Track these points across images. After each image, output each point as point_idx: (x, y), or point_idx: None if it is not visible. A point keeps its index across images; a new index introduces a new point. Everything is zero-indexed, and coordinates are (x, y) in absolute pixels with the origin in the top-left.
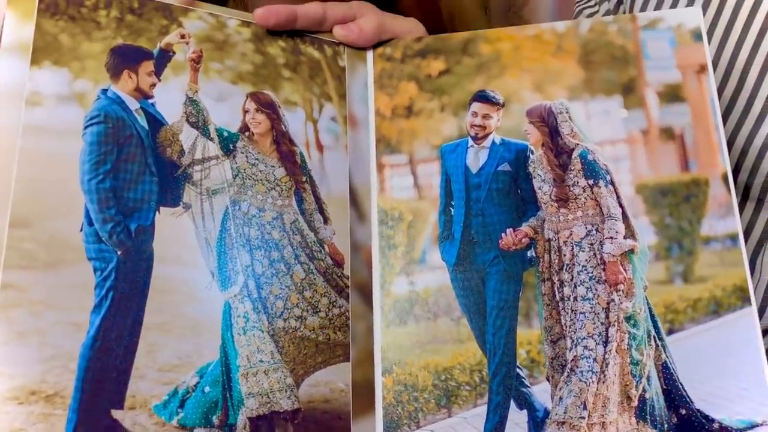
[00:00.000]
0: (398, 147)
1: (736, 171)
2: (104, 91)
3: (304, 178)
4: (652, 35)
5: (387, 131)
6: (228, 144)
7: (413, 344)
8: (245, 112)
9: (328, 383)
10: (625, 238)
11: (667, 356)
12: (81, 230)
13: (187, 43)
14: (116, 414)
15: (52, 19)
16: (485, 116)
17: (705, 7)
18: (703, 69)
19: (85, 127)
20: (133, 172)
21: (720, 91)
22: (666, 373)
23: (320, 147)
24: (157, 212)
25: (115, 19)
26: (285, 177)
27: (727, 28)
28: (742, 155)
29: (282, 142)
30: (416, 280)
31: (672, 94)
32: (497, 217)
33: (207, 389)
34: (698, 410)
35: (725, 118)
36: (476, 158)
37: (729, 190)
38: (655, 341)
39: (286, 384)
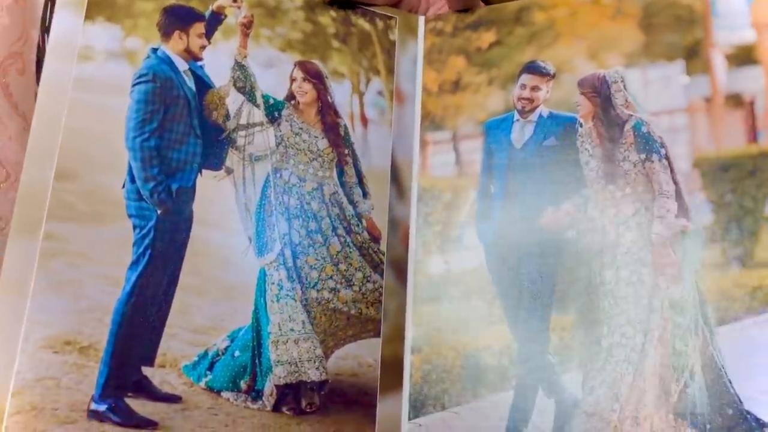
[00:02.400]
0: (442, 123)
1: None
2: (154, 50)
3: (346, 151)
4: None
5: (433, 107)
6: (273, 111)
7: (444, 324)
8: (292, 80)
9: (357, 357)
10: (677, 217)
11: (715, 349)
12: (123, 187)
13: (239, 8)
14: (146, 370)
15: None
16: (534, 88)
17: None
18: None
19: (134, 85)
20: (179, 132)
21: None
22: (713, 368)
23: (365, 121)
24: (199, 174)
25: None
26: (328, 148)
27: None
28: None
29: (327, 113)
30: (451, 259)
31: (743, 56)
32: (539, 195)
33: (237, 353)
34: (748, 411)
35: None
36: (522, 133)
37: None
38: (703, 332)
39: (315, 354)
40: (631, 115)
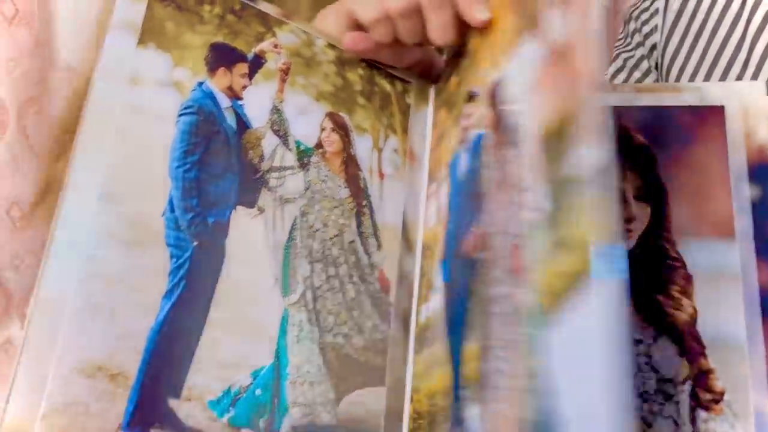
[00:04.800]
0: (432, 176)
1: None
2: (200, 83)
3: (364, 202)
4: None
5: (431, 163)
6: (303, 157)
7: (422, 370)
8: (322, 129)
9: (364, 404)
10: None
11: None
12: (163, 215)
13: (279, 53)
14: (173, 403)
15: (162, 4)
16: (466, 116)
17: None
18: None
19: (179, 115)
20: (218, 167)
21: None
22: None
23: (381, 175)
24: (234, 210)
25: (217, 16)
26: (349, 198)
27: None
28: None
29: (350, 164)
30: (430, 306)
31: None
32: (464, 222)
33: (258, 392)
34: None
35: None
36: (464, 164)
37: None
38: None
39: (328, 398)
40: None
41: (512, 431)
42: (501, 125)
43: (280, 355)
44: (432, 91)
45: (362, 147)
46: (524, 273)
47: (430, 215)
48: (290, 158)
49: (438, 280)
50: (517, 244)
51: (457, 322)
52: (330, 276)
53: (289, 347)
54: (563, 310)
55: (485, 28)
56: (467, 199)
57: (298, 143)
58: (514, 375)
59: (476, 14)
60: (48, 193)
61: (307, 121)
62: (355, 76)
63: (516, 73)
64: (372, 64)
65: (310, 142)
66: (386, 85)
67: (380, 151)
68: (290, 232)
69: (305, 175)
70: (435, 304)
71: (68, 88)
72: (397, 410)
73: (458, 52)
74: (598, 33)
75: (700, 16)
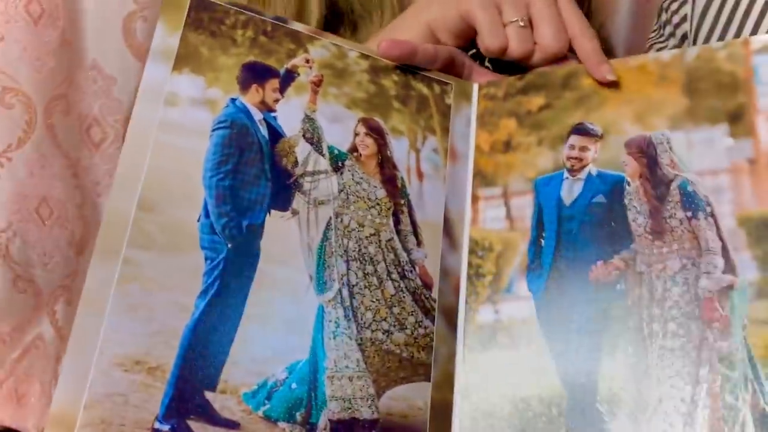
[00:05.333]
0: (493, 180)
1: None
2: (233, 100)
3: (402, 201)
4: (766, 60)
5: (484, 165)
6: (337, 161)
7: (494, 372)
8: (356, 134)
9: (407, 399)
10: (723, 273)
11: (766, 404)
12: (198, 221)
13: (311, 68)
14: (208, 395)
15: (196, 32)
16: (582, 148)
17: None
18: None
19: (213, 130)
20: (251, 174)
21: None
22: (765, 424)
23: (420, 175)
24: (267, 214)
25: (249, 38)
26: (385, 198)
27: None
28: None
29: (386, 165)
30: (501, 309)
31: None
32: (588, 249)
33: (294, 386)
34: None
35: None
36: (571, 190)
37: None
38: (753, 386)
39: (368, 393)
40: (677, 175)
41: None
42: (653, 179)
43: (316, 350)
44: (475, 90)
45: (399, 149)
46: (721, 324)
47: (494, 218)
48: (323, 163)
49: (519, 288)
50: (705, 296)
51: (581, 340)
52: (367, 273)
53: (326, 343)
54: None
55: (623, 72)
56: (592, 229)
57: (331, 148)
58: (692, 402)
59: (606, 75)
60: (77, 189)
61: (341, 128)
62: (390, 82)
63: (700, 154)
64: (408, 69)
65: (344, 147)
66: (423, 88)
67: (418, 152)
68: (324, 233)
69: (339, 178)
70: (515, 311)
71: (94, 86)
72: (444, 406)
73: (543, 74)
74: None
75: (729, 3)
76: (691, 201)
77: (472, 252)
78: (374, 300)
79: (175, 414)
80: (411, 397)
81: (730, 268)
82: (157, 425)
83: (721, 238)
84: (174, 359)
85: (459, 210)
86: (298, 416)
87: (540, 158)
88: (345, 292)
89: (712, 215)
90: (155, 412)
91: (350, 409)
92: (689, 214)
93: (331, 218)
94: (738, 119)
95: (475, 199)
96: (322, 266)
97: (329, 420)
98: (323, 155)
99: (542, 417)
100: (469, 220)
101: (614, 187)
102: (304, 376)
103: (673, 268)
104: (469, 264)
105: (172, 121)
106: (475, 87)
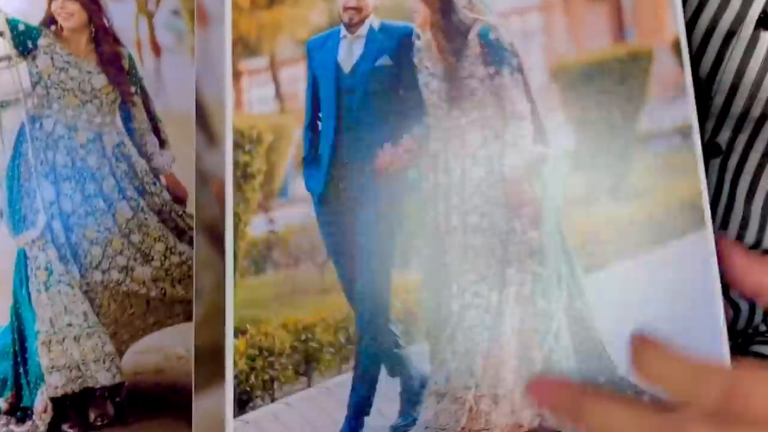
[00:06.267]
0: (258, 47)
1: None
2: None
3: (133, 89)
4: None
5: (245, 28)
6: (25, 41)
7: (271, 298)
8: None
9: (161, 349)
10: (534, 143)
11: (583, 304)
12: None
13: None
14: None
15: None
16: None
17: None
18: None
19: None
20: None
21: None
22: (582, 328)
23: (157, 48)
24: None
25: None
26: (106, 87)
27: None
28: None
29: (103, 40)
30: (276, 218)
31: None
32: (374, 128)
33: None
34: (621, 378)
35: None
36: (350, 52)
37: (681, 63)
38: (568, 284)
39: (105, 352)
40: (477, 20)
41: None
42: (448, 29)
43: (20, 310)
44: None
45: (122, 14)
46: (531, 209)
47: (261, 99)
48: (2, 46)
49: (295, 188)
50: (515, 177)
51: (370, 246)
52: (89, 195)
53: (35, 298)
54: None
55: None
56: (377, 101)
57: (14, 22)
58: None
59: None
60: None
61: None
62: None
63: None
64: None
65: (36, 20)
66: None
67: (151, 16)
68: (15, 147)
69: (32, 66)
70: (292, 218)
71: None
72: (212, 347)
73: None
74: None
75: None
76: (493, 53)
77: (237, 146)
78: (103, 229)
79: None
80: (167, 346)
81: (541, 136)
82: None
83: (530, 99)
84: None
85: (216, 92)
86: (2, 403)
87: (312, 11)
88: (57, 226)
89: (520, 69)
90: None
91: (80, 377)
92: (492, 70)
93: (23, 125)
94: None
95: (236, 75)
96: (17, 194)
97: (50, 399)
98: (0, 33)
99: (329, 347)
100: (231, 104)
101: (401, 43)
102: (6, 349)
103: (474, 144)
104: (235, 163)
105: None
106: None
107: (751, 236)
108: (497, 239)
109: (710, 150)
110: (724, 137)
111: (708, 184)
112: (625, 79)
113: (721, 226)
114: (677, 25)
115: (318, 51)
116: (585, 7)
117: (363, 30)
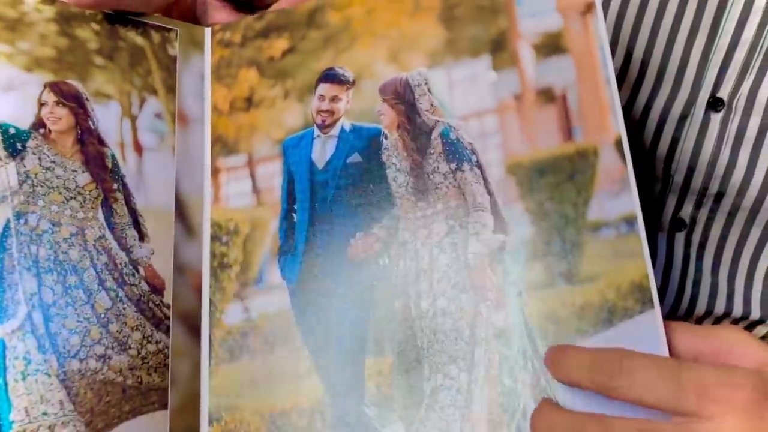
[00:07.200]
0: (236, 146)
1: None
2: None
3: (115, 186)
4: None
5: (224, 129)
6: (15, 143)
7: (246, 384)
8: (41, 104)
9: None
10: (494, 232)
11: (547, 382)
12: None
13: None
14: None
15: None
16: (333, 98)
17: None
18: (589, 8)
19: None
20: None
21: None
22: None
23: (139, 148)
24: None
25: None
26: (90, 184)
27: None
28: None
29: (88, 141)
30: (252, 306)
31: (551, 45)
32: (346, 219)
33: None
34: None
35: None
36: (323, 150)
37: (624, 158)
38: (533, 363)
39: None
40: (438, 121)
41: None
42: (412, 129)
43: None
44: (208, 35)
45: (107, 118)
46: (495, 293)
47: (238, 194)
48: None
49: (271, 276)
50: (479, 264)
51: (343, 332)
52: (69, 287)
53: (11, 388)
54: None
55: (374, 2)
56: (348, 195)
57: (5, 127)
58: (468, 392)
59: None
60: None
61: (18, 97)
62: (89, 32)
63: (463, 94)
64: (113, 16)
65: (25, 124)
66: (136, 38)
67: (134, 119)
68: (1, 241)
69: (20, 165)
70: (267, 305)
71: None
72: None
73: (282, 13)
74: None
75: None
76: (454, 150)
77: (215, 239)
78: (82, 319)
79: None
80: None
81: (500, 225)
82: None
83: (489, 192)
84: None
85: (195, 188)
86: None
87: (287, 114)
88: (37, 317)
89: (479, 165)
90: None
91: None
92: (453, 165)
93: (9, 220)
94: (500, 47)
95: (215, 171)
96: (0, 287)
97: None
98: None
99: None
100: (209, 198)
101: (370, 142)
102: None
103: (439, 233)
104: (212, 254)
105: None
106: (208, 32)
107: (720, 306)
108: (464, 322)
109: (674, 224)
110: (686, 212)
111: (674, 257)
112: (574, 173)
113: (691, 297)
114: (618, 125)
115: (293, 149)
116: (536, 109)
117: (335, 131)
